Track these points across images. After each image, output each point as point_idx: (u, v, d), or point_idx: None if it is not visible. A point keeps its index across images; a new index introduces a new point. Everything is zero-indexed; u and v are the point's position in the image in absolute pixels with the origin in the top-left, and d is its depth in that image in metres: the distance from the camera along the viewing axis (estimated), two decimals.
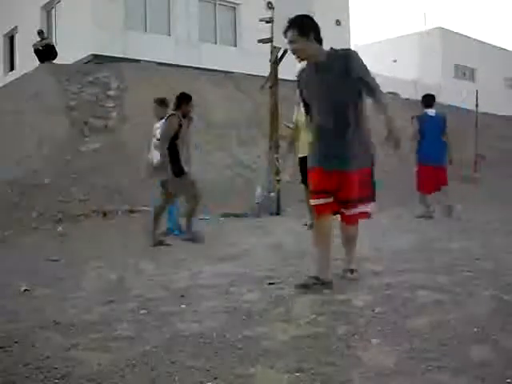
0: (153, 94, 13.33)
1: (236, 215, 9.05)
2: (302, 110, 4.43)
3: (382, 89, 3.55)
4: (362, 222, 3.76)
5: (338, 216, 3.73)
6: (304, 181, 6.47)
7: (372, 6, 76.32)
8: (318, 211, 3.59)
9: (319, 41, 3.54)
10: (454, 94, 23.39)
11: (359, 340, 2.50)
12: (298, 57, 3.57)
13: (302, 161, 6.36)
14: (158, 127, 6.63)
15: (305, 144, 6.64)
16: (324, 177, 3.55)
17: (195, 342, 2.57)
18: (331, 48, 3.57)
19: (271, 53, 10.03)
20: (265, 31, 10.12)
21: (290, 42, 3.52)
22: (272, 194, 9.66)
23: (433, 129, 7.88)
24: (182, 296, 3.49)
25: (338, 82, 3.48)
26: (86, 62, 14.62)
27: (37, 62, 14.01)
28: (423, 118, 7.94)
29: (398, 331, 2.59)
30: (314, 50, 3.52)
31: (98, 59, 14.48)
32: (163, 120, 6.44)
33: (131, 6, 15.74)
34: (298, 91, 3.97)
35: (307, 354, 2.34)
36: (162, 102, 6.84)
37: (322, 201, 3.55)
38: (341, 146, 3.52)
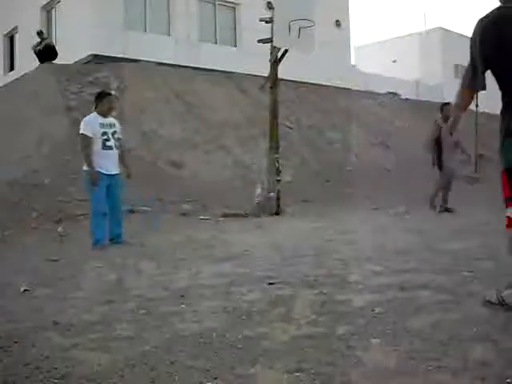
0: (153, 93, 13.40)
1: (236, 215, 9.04)
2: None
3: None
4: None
5: None
6: None
7: (372, 6, 76.31)
8: None
9: None
10: (455, 94, 23.39)
11: (359, 340, 2.49)
12: None
13: None
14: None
15: None
16: None
17: (195, 342, 2.57)
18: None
19: (271, 53, 10.01)
20: (265, 31, 10.10)
21: None
22: (272, 193, 9.65)
23: None
24: (182, 296, 3.49)
25: None
26: (86, 62, 14.61)
27: (37, 62, 14.02)
28: None
29: (397, 331, 2.59)
30: None
31: (97, 59, 14.47)
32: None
33: (131, 5, 15.73)
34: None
35: (307, 354, 2.34)
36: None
37: None
38: None
